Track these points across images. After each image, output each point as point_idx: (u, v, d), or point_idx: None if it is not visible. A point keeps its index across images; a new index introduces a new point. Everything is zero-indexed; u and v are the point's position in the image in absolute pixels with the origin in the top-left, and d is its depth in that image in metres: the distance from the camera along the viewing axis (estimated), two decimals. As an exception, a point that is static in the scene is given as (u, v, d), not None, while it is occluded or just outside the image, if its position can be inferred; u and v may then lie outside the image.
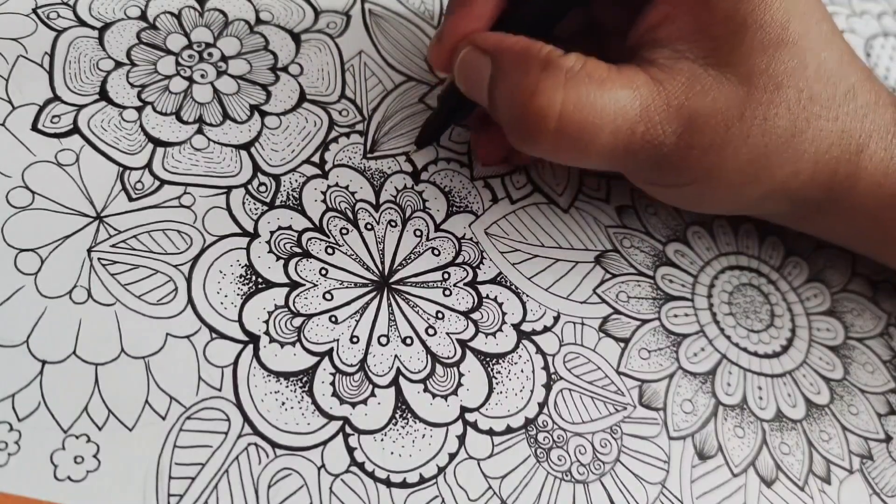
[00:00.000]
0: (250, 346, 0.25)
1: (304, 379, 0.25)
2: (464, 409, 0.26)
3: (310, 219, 0.28)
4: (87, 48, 0.29)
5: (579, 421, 0.27)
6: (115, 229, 0.26)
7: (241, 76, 0.30)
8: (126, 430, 0.23)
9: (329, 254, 0.27)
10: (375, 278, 0.28)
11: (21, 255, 0.25)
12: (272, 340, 0.26)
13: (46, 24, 0.29)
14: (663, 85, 0.24)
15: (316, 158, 0.29)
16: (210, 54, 0.30)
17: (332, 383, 0.25)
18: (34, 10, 0.29)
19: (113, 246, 0.26)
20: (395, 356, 0.26)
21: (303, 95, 0.30)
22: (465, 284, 0.28)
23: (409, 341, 0.27)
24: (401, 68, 0.32)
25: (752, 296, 0.31)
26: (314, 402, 0.25)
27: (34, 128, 0.27)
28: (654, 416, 0.28)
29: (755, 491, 0.27)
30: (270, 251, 0.27)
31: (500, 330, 0.28)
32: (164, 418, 0.24)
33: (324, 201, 0.28)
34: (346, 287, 0.27)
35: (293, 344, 0.26)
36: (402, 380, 0.26)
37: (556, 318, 0.29)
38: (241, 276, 0.26)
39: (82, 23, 0.29)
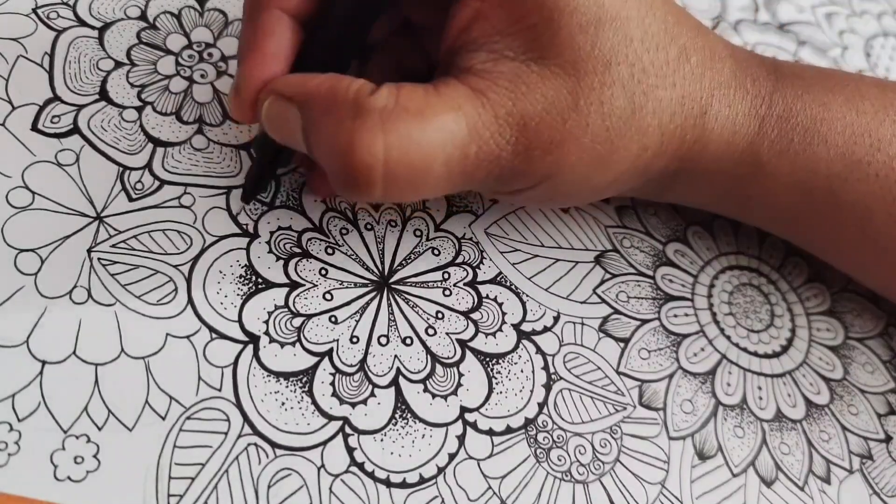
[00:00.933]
0: (250, 347, 0.25)
1: (304, 379, 0.25)
2: (464, 409, 0.26)
3: (310, 219, 0.28)
4: (87, 48, 0.29)
5: (579, 421, 0.27)
6: (115, 229, 0.26)
7: (241, 76, 0.30)
8: (126, 430, 0.23)
9: (329, 254, 0.27)
10: (375, 278, 0.28)
11: (21, 256, 0.25)
12: (272, 340, 0.26)
13: (46, 23, 0.29)
14: (486, 95, 0.22)
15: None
16: (210, 54, 0.30)
17: (332, 383, 0.25)
18: (34, 10, 0.29)
19: (113, 246, 0.26)
20: (395, 356, 0.26)
21: (303, 95, 0.30)
22: (465, 284, 0.28)
23: (408, 341, 0.27)
24: (401, 68, 0.32)
25: (752, 296, 0.31)
26: (314, 403, 0.25)
27: (34, 128, 0.27)
28: (654, 416, 0.28)
29: (755, 491, 0.27)
30: (270, 251, 0.27)
31: (499, 330, 0.28)
32: (164, 418, 0.24)
33: (324, 201, 0.28)
34: (346, 287, 0.27)
35: (293, 344, 0.26)
36: (401, 380, 0.26)
37: (556, 318, 0.29)
38: (240, 276, 0.26)
39: (82, 23, 0.29)
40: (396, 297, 0.27)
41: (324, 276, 0.27)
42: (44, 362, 0.24)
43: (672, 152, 0.26)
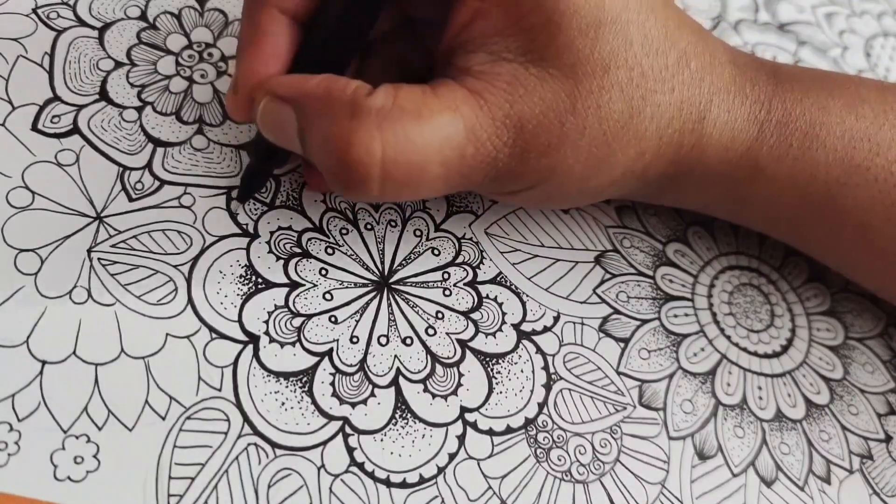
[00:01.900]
0: (250, 347, 0.25)
1: (304, 379, 0.25)
2: (464, 409, 0.26)
3: (310, 219, 0.28)
4: (87, 48, 0.29)
5: (579, 421, 0.27)
6: (115, 229, 0.26)
7: (241, 76, 0.30)
8: (126, 430, 0.23)
9: (329, 254, 0.27)
10: (375, 278, 0.28)
11: (21, 256, 0.25)
12: (272, 340, 0.26)
13: (46, 24, 0.29)
14: (484, 97, 0.22)
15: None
16: (210, 54, 0.30)
17: (332, 383, 0.25)
18: (34, 10, 0.29)
19: (113, 246, 0.26)
20: (395, 356, 0.26)
21: (303, 95, 0.30)
22: (465, 284, 0.28)
23: (408, 341, 0.27)
24: (401, 68, 0.31)
25: (752, 296, 0.31)
26: (314, 402, 0.25)
27: (34, 128, 0.27)
28: (654, 416, 0.28)
29: (755, 491, 0.27)
30: (270, 251, 0.27)
31: (499, 330, 0.28)
32: (163, 418, 0.24)
33: (324, 201, 0.28)
34: (346, 287, 0.27)
35: (293, 344, 0.26)
36: (401, 380, 0.26)
37: (556, 318, 0.29)
38: (241, 276, 0.26)
39: (82, 23, 0.29)
40: (396, 297, 0.27)
41: (324, 276, 0.27)
42: (44, 362, 0.24)
43: (670, 157, 0.25)
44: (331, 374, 0.26)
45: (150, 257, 0.26)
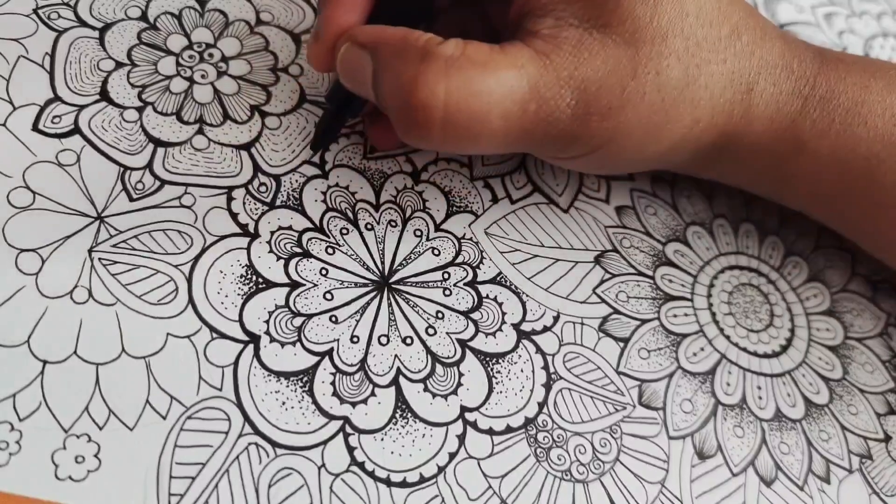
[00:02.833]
0: (251, 346, 0.25)
1: (305, 379, 0.25)
2: (464, 409, 0.26)
3: (310, 219, 0.28)
4: (87, 48, 0.29)
5: (579, 420, 0.27)
6: (116, 229, 0.26)
7: (242, 77, 0.30)
8: (127, 429, 0.23)
9: (329, 254, 0.27)
10: (375, 278, 0.28)
11: (22, 255, 0.25)
12: (272, 340, 0.26)
13: (47, 24, 0.29)
14: (549, 58, 0.24)
15: (316, 159, 0.29)
16: (210, 55, 0.30)
17: (333, 383, 0.25)
18: (35, 11, 0.29)
19: (114, 246, 0.26)
20: (395, 356, 0.26)
21: (303, 96, 0.30)
22: (465, 284, 0.28)
23: (409, 341, 0.27)
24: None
25: (751, 296, 0.31)
26: (314, 402, 0.25)
27: (35, 128, 0.27)
28: (654, 415, 0.28)
29: (755, 490, 0.28)
30: (271, 251, 0.27)
31: (499, 330, 0.28)
32: (164, 418, 0.24)
33: (324, 201, 0.28)
34: (347, 287, 0.27)
35: (293, 344, 0.26)
36: (402, 379, 0.26)
37: (556, 318, 0.29)
38: (241, 276, 0.26)
39: (83, 23, 0.29)
40: (397, 296, 0.27)
41: (324, 275, 0.27)
42: (45, 362, 0.24)
43: (721, 126, 0.26)
44: (331, 373, 0.26)
45: (150, 257, 0.26)
